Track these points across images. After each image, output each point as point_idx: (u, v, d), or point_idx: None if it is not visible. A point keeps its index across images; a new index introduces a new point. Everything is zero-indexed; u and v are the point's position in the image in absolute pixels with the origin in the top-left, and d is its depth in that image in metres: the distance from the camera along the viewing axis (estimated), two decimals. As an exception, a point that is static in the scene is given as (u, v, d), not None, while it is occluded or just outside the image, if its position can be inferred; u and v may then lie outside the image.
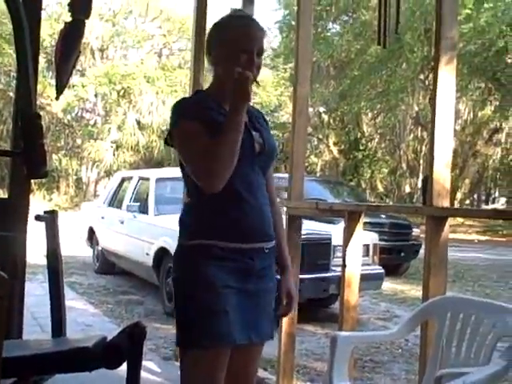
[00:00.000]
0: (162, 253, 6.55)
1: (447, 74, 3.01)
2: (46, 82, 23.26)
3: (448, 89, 3.01)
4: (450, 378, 2.02)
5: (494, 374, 1.97)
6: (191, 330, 1.87)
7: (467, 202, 29.30)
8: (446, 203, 2.98)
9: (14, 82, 3.21)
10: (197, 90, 2.16)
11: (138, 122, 24.70)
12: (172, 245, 6.06)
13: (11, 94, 24.18)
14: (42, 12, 3.08)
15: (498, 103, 21.98)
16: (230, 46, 1.93)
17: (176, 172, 8.14)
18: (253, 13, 4.65)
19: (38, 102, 2.59)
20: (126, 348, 2.07)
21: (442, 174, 2.98)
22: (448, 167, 3.00)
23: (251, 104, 2.05)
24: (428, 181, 3.01)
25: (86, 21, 2.87)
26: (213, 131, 1.85)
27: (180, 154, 1.94)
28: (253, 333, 1.92)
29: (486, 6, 17.50)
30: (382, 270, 6.83)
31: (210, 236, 1.89)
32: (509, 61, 19.19)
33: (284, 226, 2.25)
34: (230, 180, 1.86)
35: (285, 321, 3.54)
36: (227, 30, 1.97)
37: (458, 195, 28.01)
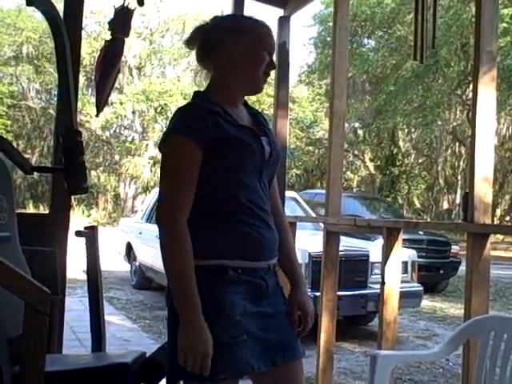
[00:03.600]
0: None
1: (487, 88, 2.97)
2: (85, 100, 23.75)
3: (488, 103, 2.96)
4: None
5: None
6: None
7: (507, 218, 28.72)
8: (487, 220, 2.92)
9: (55, 99, 3.28)
10: (196, 92, 1.90)
11: (175, 139, 24.96)
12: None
13: (52, 111, 24.77)
14: (82, 31, 3.14)
15: (538, 118, 21.57)
16: (254, 47, 1.80)
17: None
18: (289, 34, 4.68)
19: (77, 119, 2.63)
20: (165, 364, 2.07)
21: (483, 189, 2.93)
22: (489, 183, 2.95)
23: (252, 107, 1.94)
24: (468, 197, 2.96)
25: (125, 39, 2.92)
26: (219, 145, 1.72)
27: (161, 164, 1.78)
28: (278, 355, 1.77)
29: (524, 19, 17.25)
30: (421, 288, 6.73)
31: (224, 255, 1.72)
32: (548, 74, 18.82)
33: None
34: (238, 193, 1.74)
35: (322, 338, 3.50)
36: (248, 30, 1.82)
37: (498, 212, 27.48)
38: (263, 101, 23.70)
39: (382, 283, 3.18)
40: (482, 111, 2.94)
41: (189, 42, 1.92)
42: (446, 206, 27.40)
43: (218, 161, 1.74)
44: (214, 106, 1.77)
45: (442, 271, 9.95)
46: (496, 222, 24.02)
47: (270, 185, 1.88)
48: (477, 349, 2.52)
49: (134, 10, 2.90)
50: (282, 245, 1.88)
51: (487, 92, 2.97)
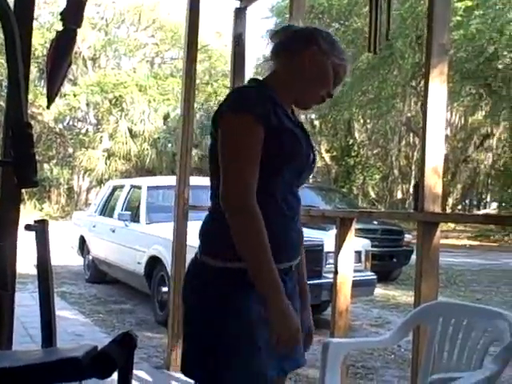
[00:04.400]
0: (153, 261, 6.53)
1: (438, 80, 3.02)
2: (37, 92, 23.23)
3: (439, 95, 3.01)
4: (441, 383, 2.01)
5: (486, 378, 1.97)
6: (221, 368, 1.63)
7: (459, 207, 29.41)
8: (437, 209, 2.98)
9: (5, 91, 3.20)
10: (253, 79, 1.85)
11: (130, 131, 24.67)
12: (164, 253, 6.05)
13: (1, 103, 24.12)
14: (34, 21, 3.07)
15: (488, 109, 22.11)
16: (329, 73, 1.79)
17: (167, 180, 8.11)
18: (245, 26, 4.68)
19: (29, 112, 2.58)
20: (117, 357, 2.05)
21: (433, 179, 2.98)
22: (439, 173, 3.01)
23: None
24: (419, 187, 3.01)
25: (78, 30, 2.87)
26: (277, 134, 1.65)
27: (227, 143, 1.63)
28: (286, 363, 1.73)
29: (476, 13, 17.61)
30: (375, 276, 6.84)
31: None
32: (499, 67, 19.30)
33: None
34: (275, 190, 1.67)
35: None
36: (334, 56, 1.80)
37: (450, 201, 28.10)
38: (220, 92, 23.64)
39: (335, 272, 3.22)
40: (432, 103, 2.99)
41: (276, 34, 1.86)
42: (400, 195, 27.91)
43: (271, 150, 1.64)
44: (272, 94, 1.74)
45: (395, 260, 10.14)
46: (448, 210, 24.56)
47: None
48: (426, 334, 2.59)
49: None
50: None
51: (438, 84, 3.02)
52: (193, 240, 5.37)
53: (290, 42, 1.80)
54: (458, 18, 17.34)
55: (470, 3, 17.68)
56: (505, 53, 18.59)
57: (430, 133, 2.98)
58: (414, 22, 17.98)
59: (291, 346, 1.60)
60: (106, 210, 8.83)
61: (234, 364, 1.60)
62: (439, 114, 3.01)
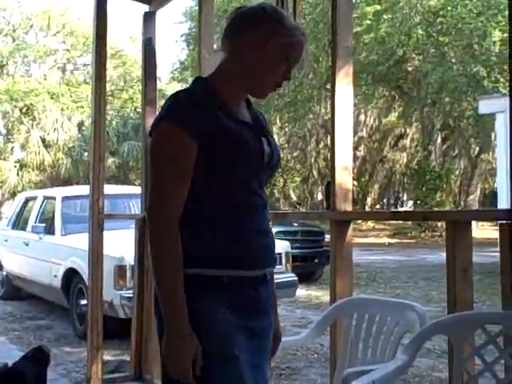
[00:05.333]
0: (70, 274, 6.33)
1: (345, 82, 3.09)
2: None
3: (346, 95, 3.08)
4: (356, 376, 2.05)
5: (397, 368, 2.02)
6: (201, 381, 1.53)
7: (377, 206, 30.28)
8: (348, 207, 3.04)
9: None
10: (197, 78, 1.71)
11: (43, 140, 23.87)
12: (81, 265, 5.89)
13: None
14: None
15: (401, 110, 22.90)
16: (280, 52, 1.61)
17: (84, 190, 7.77)
18: (154, 30, 4.63)
19: None
20: (28, 373, 1.98)
21: (344, 178, 3.05)
22: (348, 172, 3.07)
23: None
24: (330, 186, 3.07)
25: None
26: (215, 139, 1.54)
27: (150, 154, 1.59)
28: (260, 377, 1.61)
29: (385, 17, 18.22)
30: (296, 278, 6.92)
31: (211, 263, 1.55)
32: (409, 69, 20.03)
33: None
34: (232, 194, 1.57)
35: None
36: (285, 32, 1.61)
37: (369, 200, 28.90)
38: (136, 98, 23.30)
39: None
40: (340, 103, 3.06)
41: (227, 18, 1.71)
42: (320, 197, 28.41)
43: (213, 156, 1.55)
44: (213, 95, 1.60)
45: (316, 260, 10.29)
46: (367, 209, 25.24)
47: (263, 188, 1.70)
48: (342, 330, 2.63)
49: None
50: None
51: (345, 85, 3.09)
52: (111, 249, 5.26)
53: (231, 28, 1.66)
54: (368, 21, 17.90)
55: (378, 7, 18.29)
56: (413, 55, 19.34)
57: (339, 132, 3.04)
58: (326, 26, 18.40)
59: (181, 372, 1.50)
60: (19, 222, 8.51)
61: (212, 375, 1.52)
62: (347, 114, 3.08)
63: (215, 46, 4.07)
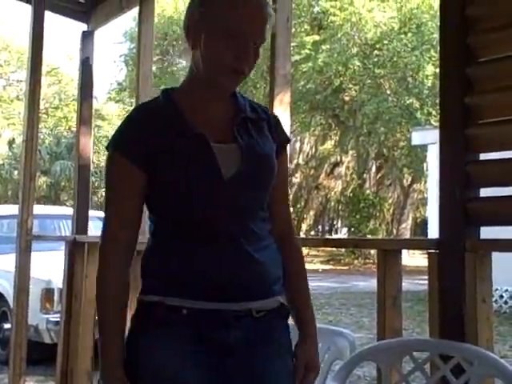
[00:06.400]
0: (-5, 296, 6.08)
1: (281, 109, 3.12)
2: None
3: (283, 123, 3.10)
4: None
5: (327, 397, 2.01)
6: None
7: (312, 232, 30.59)
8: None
9: None
10: (164, 91, 1.52)
11: (-28, 158, 23.14)
12: (6, 287, 5.66)
13: None
14: None
15: (338, 138, 23.36)
16: (215, 38, 1.42)
17: (12, 209, 7.52)
18: (92, 50, 4.58)
19: None
20: None
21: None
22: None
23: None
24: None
25: None
26: (160, 158, 1.41)
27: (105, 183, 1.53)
28: None
29: (323, 47, 18.65)
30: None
31: (163, 289, 1.42)
32: (346, 99, 20.51)
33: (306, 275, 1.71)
34: (189, 217, 1.42)
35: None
36: (227, 4, 1.43)
37: (304, 227, 29.17)
38: (70, 117, 22.89)
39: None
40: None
41: None
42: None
43: (162, 177, 1.42)
44: (170, 108, 1.46)
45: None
46: (303, 236, 25.46)
47: (259, 203, 1.49)
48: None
49: None
50: (286, 280, 1.56)
51: (281, 112, 3.11)
52: (38, 272, 5.09)
53: (184, 24, 1.49)
54: (307, 51, 18.27)
55: (317, 37, 18.71)
56: (350, 85, 19.83)
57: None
58: (266, 53, 18.66)
59: None
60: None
61: None
62: (283, 140, 3.09)
63: (154, 68, 4.05)
